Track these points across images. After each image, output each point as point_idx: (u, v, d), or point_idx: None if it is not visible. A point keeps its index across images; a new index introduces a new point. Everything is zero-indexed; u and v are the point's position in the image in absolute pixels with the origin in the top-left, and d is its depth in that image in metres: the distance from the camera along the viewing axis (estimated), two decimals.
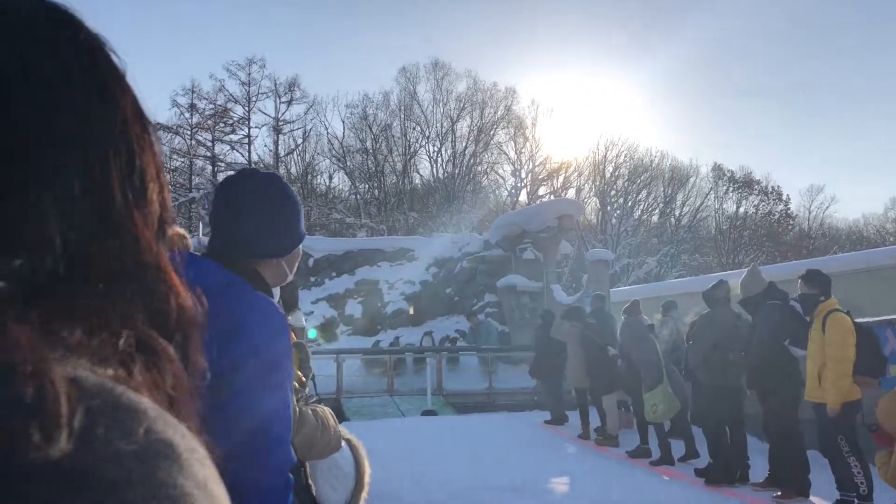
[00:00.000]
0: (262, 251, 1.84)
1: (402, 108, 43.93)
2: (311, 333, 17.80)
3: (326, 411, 2.33)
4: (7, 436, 0.35)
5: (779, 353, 7.46)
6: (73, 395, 0.38)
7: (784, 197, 47.55)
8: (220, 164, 39.25)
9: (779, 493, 7.54)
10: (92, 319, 0.45)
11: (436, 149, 44.36)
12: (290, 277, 1.94)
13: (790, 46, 65.66)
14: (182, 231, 1.85)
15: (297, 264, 1.97)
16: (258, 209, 1.83)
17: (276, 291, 1.99)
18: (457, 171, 43.76)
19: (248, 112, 40.80)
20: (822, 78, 65.90)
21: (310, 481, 1.86)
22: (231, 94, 40.40)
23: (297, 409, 2.09)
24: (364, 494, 2.48)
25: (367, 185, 43.34)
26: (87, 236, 0.47)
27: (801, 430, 7.48)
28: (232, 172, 2.03)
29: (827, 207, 50.65)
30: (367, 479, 2.40)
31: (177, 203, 35.04)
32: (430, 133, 44.16)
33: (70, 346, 0.42)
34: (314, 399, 2.78)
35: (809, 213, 50.43)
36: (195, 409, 0.50)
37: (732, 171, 46.83)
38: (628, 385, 10.33)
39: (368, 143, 43.13)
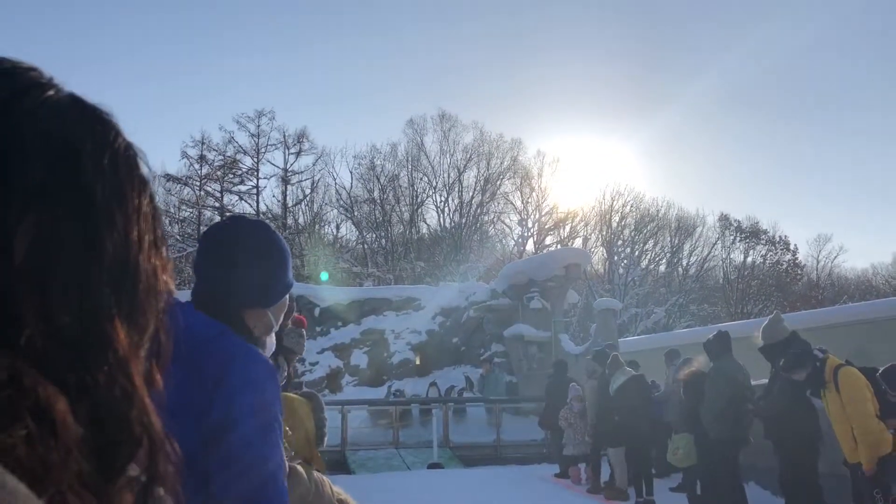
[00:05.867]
0: (248, 301, 1.79)
1: (410, 158, 44.36)
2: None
3: (325, 479, 2.26)
4: None
5: (800, 404, 7.25)
6: None
7: (792, 247, 47.43)
8: (228, 214, 39.47)
9: None
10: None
11: (443, 199, 44.65)
12: (276, 327, 1.90)
13: (795, 98, 66.36)
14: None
15: (283, 314, 1.92)
16: (244, 258, 1.79)
17: (271, 340, 1.94)
18: (464, 220, 43.89)
19: (257, 163, 41.20)
20: (829, 128, 66.40)
21: None
22: (240, 146, 40.87)
23: (289, 467, 2.02)
24: None
25: (374, 235, 43.45)
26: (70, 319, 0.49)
27: (820, 484, 7.26)
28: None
29: (835, 257, 50.49)
30: None
31: (185, 253, 35.15)
32: (437, 183, 44.48)
33: None
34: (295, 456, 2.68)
35: (818, 262, 50.26)
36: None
37: (739, 221, 46.86)
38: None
39: (376, 194, 43.41)
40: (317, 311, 20.91)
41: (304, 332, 4.96)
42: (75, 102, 0.56)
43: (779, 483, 7.91)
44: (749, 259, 46.63)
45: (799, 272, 47.93)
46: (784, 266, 46.92)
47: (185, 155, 39.87)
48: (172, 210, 39.95)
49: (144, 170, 0.59)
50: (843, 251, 55.91)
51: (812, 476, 7.25)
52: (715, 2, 63.93)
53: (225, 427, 1.50)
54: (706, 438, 8.45)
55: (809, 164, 66.82)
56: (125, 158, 0.58)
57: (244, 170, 41.08)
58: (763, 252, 47.03)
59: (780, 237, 47.31)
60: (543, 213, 44.77)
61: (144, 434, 0.52)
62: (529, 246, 43.44)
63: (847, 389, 6.53)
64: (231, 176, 40.77)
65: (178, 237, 37.36)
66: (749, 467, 8.64)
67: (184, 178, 39.81)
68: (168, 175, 39.66)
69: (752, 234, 46.78)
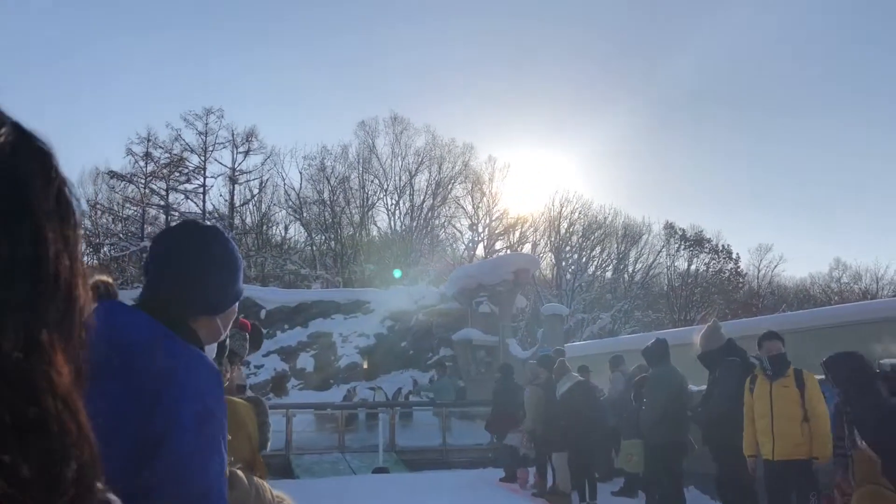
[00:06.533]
0: (197, 308, 1.77)
1: (361, 160, 44.08)
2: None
3: (265, 484, 2.25)
4: None
5: (739, 410, 7.40)
6: None
7: (734, 255, 48.67)
8: (173, 213, 38.54)
9: None
10: None
11: (394, 202, 44.48)
12: (224, 335, 1.88)
13: (738, 110, 68.16)
14: (108, 278, 1.76)
15: (231, 322, 1.90)
16: (196, 265, 1.76)
17: (212, 348, 1.91)
18: (414, 224, 43.82)
19: (205, 161, 40.31)
20: (769, 141, 68.36)
21: None
22: (187, 144, 39.91)
23: (229, 471, 2.00)
24: None
25: (323, 237, 43.03)
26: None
27: (756, 489, 7.44)
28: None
29: (776, 266, 51.91)
30: None
31: (128, 252, 34.30)
32: (388, 186, 44.29)
33: None
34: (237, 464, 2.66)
35: (759, 271, 51.63)
36: None
37: (684, 230, 47.80)
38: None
39: (326, 195, 43.01)
40: (263, 314, 20.62)
41: (248, 336, 4.92)
42: (22, 136, 0.57)
43: (716, 488, 8.08)
44: (693, 267, 47.70)
45: (740, 280, 49.20)
46: (726, 274, 48.11)
47: (130, 152, 38.76)
48: (116, 208, 38.93)
49: (75, 202, 0.62)
50: (783, 260, 57.52)
51: (750, 481, 7.42)
52: (661, 11, 65.33)
53: (167, 436, 1.47)
54: (648, 443, 8.60)
55: (752, 174, 68.72)
56: (65, 194, 0.60)
57: (191, 168, 40.18)
58: (706, 260, 48.16)
59: (723, 246, 48.54)
60: (494, 218, 45.03)
61: (77, 479, 0.52)
62: (479, 251, 43.64)
63: (813, 387, 6.81)
64: (177, 174, 39.79)
65: (121, 236, 36.42)
66: (689, 473, 8.80)
67: (128, 176, 38.71)
68: (112, 172, 38.60)
69: (697, 242, 47.84)
